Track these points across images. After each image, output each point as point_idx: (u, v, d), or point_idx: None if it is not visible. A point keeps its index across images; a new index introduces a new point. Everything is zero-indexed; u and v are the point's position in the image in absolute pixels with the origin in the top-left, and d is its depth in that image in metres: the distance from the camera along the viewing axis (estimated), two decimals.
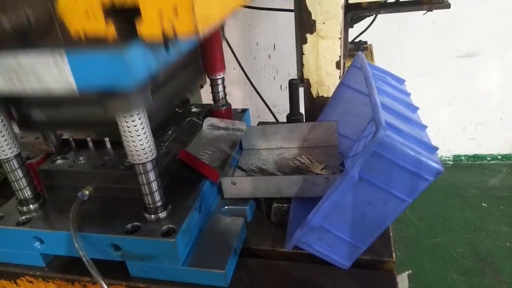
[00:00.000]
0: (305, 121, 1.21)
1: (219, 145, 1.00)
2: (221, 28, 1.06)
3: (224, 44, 1.08)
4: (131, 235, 0.71)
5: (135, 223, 0.74)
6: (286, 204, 0.89)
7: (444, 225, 2.42)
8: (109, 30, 0.51)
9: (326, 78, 1.17)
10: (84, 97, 0.58)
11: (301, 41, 1.13)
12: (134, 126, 0.64)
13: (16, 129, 0.77)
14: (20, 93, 0.59)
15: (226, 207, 0.89)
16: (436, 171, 0.59)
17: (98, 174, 0.82)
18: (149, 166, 0.69)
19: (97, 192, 0.82)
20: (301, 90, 1.20)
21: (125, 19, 0.51)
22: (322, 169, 0.97)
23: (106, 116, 0.64)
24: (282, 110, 2.74)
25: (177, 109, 1.13)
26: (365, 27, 1.83)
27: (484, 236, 2.29)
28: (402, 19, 2.53)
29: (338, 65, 1.15)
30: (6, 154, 0.72)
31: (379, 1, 1.30)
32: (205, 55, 1.03)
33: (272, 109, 1.76)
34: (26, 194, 0.79)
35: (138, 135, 0.65)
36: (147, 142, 0.66)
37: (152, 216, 0.74)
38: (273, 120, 1.75)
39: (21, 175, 0.76)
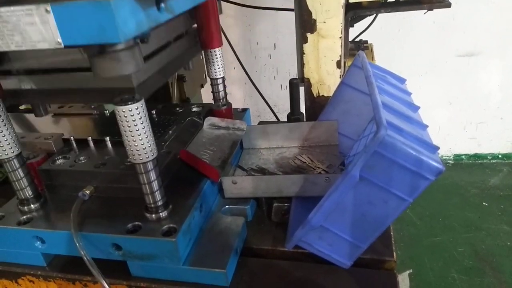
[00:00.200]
0: (306, 120, 1.21)
1: (220, 144, 1.00)
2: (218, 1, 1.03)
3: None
4: (132, 234, 0.71)
5: (136, 223, 0.74)
6: (287, 203, 0.89)
7: (444, 224, 2.42)
8: None
9: (326, 78, 1.17)
10: (73, 61, 0.56)
11: (301, 40, 1.13)
12: (135, 124, 0.64)
13: (16, 128, 0.77)
14: (4, 50, 0.56)
15: (226, 206, 0.89)
16: (437, 171, 0.59)
17: (99, 173, 0.82)
18: (149, 166, 0.70)
19: (98, 191, 0.82)
20: (301, 90, 1.20)
21: None
22: (322, 169, 0.97)
23: (96, 80, 0.62)
24: (283, 109, 2.75)
25: (177, 109, 1.13)
26: (365, 27, 1.83)
27: (485, 236, 2.29)
28: (403, 19, 2.53)
29: (338, 64, 1.15)
30: (7, 154, 0.72)
31: (379, 1, 1.30)
32: (201, 28, 1.00)
33: (272, 108, 1.76)
34: (27, 194, 0.79)
35: (138, 134, 0.65)
36: (147, 142, 0.66)
37: (153, 215, 0.74)
38: (274, 119, 1.75)
39: (22, 174, 0.76)
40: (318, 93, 1.20)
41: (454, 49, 2.67)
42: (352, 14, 1.30)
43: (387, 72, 0.91)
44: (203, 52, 1.05)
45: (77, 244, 0.69)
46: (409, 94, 0.87)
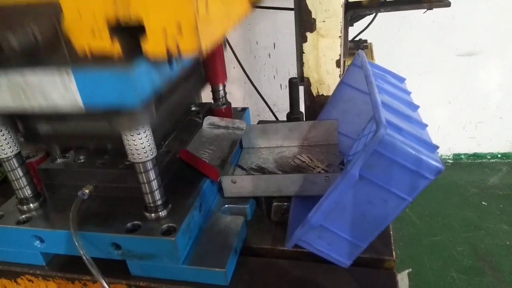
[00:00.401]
0: (305, 119, 1.21)
1: (219, 144, 1.00)
2: (224, 40, 1.07)
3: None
4: (132, 234, 0.71)
5: (135, 222, 0.74)
6: (286, 202, 0.89)
7: (444, 223, 2.42)
8: (115, 47, 0.52)
9: (326, 77, 1.17)
10: (89, 112, 0.59)
11: (301, 39, 1.13)
12: (136, 129, 0.64)
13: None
14: (27, 110, 0.60)
15: (226, 205, 0.89)
16: (436, 170, 0.59)
17: (98, 173, 0.82)
18: (149, 165, 0.69)
19: (97, 191, 0.82)
20: (301, 89, 1.20)
21: (130, 35, 0.52)
22: (322, 168, 0.96)
23: (111, 131, 0.65)
24: (282, 109, 2.74)
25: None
26: (365, 26, 1.83)
27: (484, 235, 2.30)
28: (402, 18, 2.53)
29: (338, 63, 1.14)
30: (6, 153, 0.72)
31: (379, 0, 1.30)
32: (207, 66, 1.04)
33: (272, 108, 1.75)
34: (26, 193, 0.79)
35: (138, 133, 0.65)
36: (147, 141, 0.66)
37: (152, 215, 0.74)
38: (273, 119, 1.75)
39: (21, 174, 0.76)
40: (318, 92, 1.20)
41: (453, 49, 2.67)
42: (352, 13, 1.30)
43: (386, 71, 0.91)
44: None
45: (77, 244, 0.69)
46: (408, 93, 0.87)
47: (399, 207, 0.65)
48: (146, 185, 0.71)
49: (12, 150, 0.73)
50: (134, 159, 0.68)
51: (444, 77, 2.76)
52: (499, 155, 3.02)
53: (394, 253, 0.77)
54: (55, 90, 0.56)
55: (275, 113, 1.75)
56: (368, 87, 0.72)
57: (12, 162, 0.74)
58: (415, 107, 0.79)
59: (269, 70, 2.88)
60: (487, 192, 2.66)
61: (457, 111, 2.89)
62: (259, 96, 1.72)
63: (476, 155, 3.05)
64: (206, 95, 1.30)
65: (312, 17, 1.09)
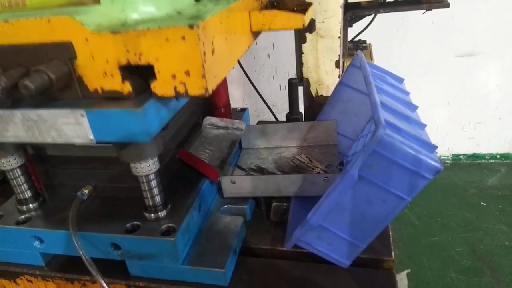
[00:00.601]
0: (305, 120, 1.21)
1: (219, 144, 1.00)
2: None
3: None
4: (131, 234, 0.71)
5: (135, 222, 0.74)
6: (286, 203, 0.89)
7: (443, 224, 2.42)
8: (125, 87, 0.55)
9: (325, 77, 1.17)
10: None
11: (300, 40, 1.13)
12: None
13: None
14: (40, 143, 0.62)
15: (225, 206, 0.89)
16: (435, 170, 0.60)
17: (98, 173, 0.82)
18: (151, 176, 0.70)
19: (97, 191, 0.81)
20: (300, 89, 1.20)
21: (140, 73, 0.55)
22: (321, 169, 0.97)
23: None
24: (281, 109, 2.74)
25: None
26: (364, 26, 1.83)
27: (483, 235, 2.30)
28: (401, 19, 2.54)
29: (337, 64, 1.15)
30: None
31: (378, 0, 1.30)
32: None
33: (271, 108, 1.75)
34: (25, 193, 0.79)
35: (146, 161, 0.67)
36: (153, 163, 0.69)
37: (152, 215, 0.74)
38: (273, 119, 1.75)
39: (20, 174, 0.76)
40: (317, 92, 1.20)
41: (452, 49, 2.68)
42: (351, 14, 1.30)
43: (385, 72, 0.92)
44: None
45: (76, 244, 0.69)
46: (407, 93, 0.87)
47: (398, 207, 0.65)
48: (147, 192, 0.72)
49: None
50: (138, 173, 0.68)
51: (443, 77, 2.77)
52: (498, 156, 3.02)
53: (393, 253, 0.77)
54: (68, 128, 0.59)
55: (275, 114, 1.74)
56: (367, 88, 0.73)
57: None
58: (414, 108, 0.79)
59: (268, 70, 2.88)
60: (486, 193, 2.66)
61: (456, 112, 2.89)
62: (258, 97, 1.72)
63: (475, 156, 3.06)
64: None
65: (312, 17, 1.09)
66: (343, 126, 1.04)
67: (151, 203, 0.73)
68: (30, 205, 0.80)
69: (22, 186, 0.77)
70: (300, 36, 1.13)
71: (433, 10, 1.28)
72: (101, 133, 0.58)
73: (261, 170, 0.99)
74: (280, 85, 2.90)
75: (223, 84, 1.07)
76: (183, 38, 0.49)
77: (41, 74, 0.53)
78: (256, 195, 0.90)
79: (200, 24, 0.49)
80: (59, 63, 0.55)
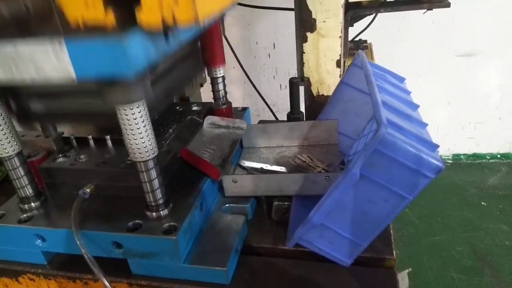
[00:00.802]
0: (306, 119, 1.21)
1: (220, 143, 1.01)
2: (221, 22, 1.05)
3: (224, 43, 1.08)
4: (133, 232, 0.72)
5: (137, 221, 0.74)
6: (287, 202, 0.89)
7: (443, 224, 2.42)
8: (108, 18, 0.50)
9: (326, 77, 1.17)
10: (83, 88, 0.57)
11: (301, 39, 1.13)
12: (136, 124, 0.64)
13: (17, 126, 0.77)
14: (18, 82, 0.58)
15: (227, 205, 0.89)
16: (437, 168, 0.60)
17: (99, 172, 0.82)
18: (150, 164, 0.70)
19: (98, 190, 0.82)
20: (301, 89, 1.20)
21: (125, 6, 0.50)
22: (322, 168, 0.97)
23: (106, 107, 0.63)
24: (282, 109, 2.74)
25: (177, 108, 1.13)
26: (365, 26, 1.83)
27: (483, 235, 2.30)
28: (402, 18, 2.54)
29: (338, 63, 1.15)
30: (8, 152, 0.72)
31: (379, 0, 1.30)
32: (205, 48, 1.03)
33: (271, 108, 1.76)
34: (27, 192, 0.79)
35: (139, 132, 0.65)
36: (148, 140, 0.67)
37: (154, 214, 0.74)
38: (273, 119, 1.75)
39: (22, 173, 0.76)
40: (318, 92, 1.20)
41: (453, 49, 2.68)
42: (352, 13, 1.30)
43: (386, 71, 0.92)
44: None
45: (78, 242, 0.69)
46: (408, 93, 0.87)
47: (399, 206, 0.65)
48: (147, 184, 0.71)
49: (14, 149, 0.73)
50: (136, 158, 0.68)
51: (444, 77, 2.77)
52: (498, 156, 3.03)
53: (394, 252, 0.77)
54: (47, 61, 0.54)
55: (275, 114, 1.75)
56: (368, 87, 0.73)
57: (13, 161, 0.74)
58: (415, 107, 0.79)
59: (268, 70, 2.88)
60: (487, 193, 2.66)
61: (456, 112, 2.89)
62: (258, 96, 1.72)
63: (475, 156, 3.06)
64: (206, 95, 1.30)
65: (313, 17, 1.09)
66: (344, 125, 1.04)
67: (152, 199, 0.73)
68: (32, 203, 0.80)
69: (22, 180, 0.77)
70: (301, 36, 1.13)
71: (433, 9, 1.28)
72: (82, 67, 0.54)
73: (262, 169, 0.99)
74: (280, 85, 2.90)
75: (218, 42, 1.03)
76: None
77: (17, 1, 0.50)
78: (258, 194, 0.90)
79: None
80: None
